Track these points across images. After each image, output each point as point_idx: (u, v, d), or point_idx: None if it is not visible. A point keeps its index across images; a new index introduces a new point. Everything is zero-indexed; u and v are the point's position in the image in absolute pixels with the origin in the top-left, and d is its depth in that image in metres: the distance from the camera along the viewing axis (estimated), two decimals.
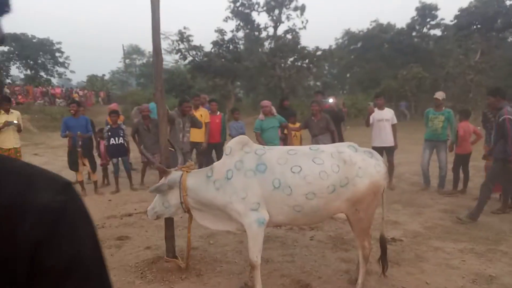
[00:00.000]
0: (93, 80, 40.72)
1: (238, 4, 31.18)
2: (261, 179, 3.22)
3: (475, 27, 29.91)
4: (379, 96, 8.10)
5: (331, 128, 7.05)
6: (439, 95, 7.37)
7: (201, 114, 8.14)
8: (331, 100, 7.71)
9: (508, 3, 29.30)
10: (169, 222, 4.15)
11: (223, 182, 3.30)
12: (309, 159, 3.27)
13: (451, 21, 33.29)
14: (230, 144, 3.48)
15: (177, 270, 3.93)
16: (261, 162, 3.27)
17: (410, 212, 6.04)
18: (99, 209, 6.39)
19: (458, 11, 30.82)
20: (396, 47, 37.94)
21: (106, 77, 44.98)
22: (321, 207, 3.25)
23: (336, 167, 3.22)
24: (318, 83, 42.72)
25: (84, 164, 7.45)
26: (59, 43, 42.38)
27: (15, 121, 6.99)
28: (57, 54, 42.59)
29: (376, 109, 7.57)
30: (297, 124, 8.00)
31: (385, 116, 7.52)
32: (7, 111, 7.03)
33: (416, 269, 3.98)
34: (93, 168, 7.54)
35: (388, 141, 7.45)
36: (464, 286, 3.62)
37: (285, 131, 7.96)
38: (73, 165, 7.37)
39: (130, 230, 5.32)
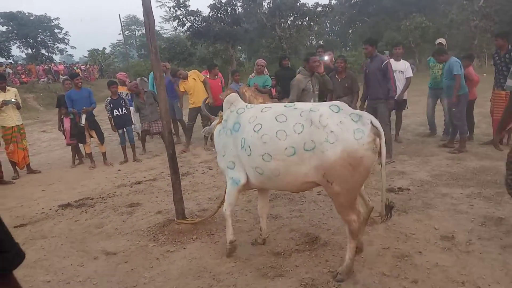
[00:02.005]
0: (94, 54, 40.29)
1: None
2: (235, 138, 3.20)
3: None
4: (397, 45, 7.70)
5: (355, 88, 6.45)
6: (442, 41, 7.20)
7: (194, 78, 8.15)
8: (326, 58, 7.21)
9: None
10: (176, 186, 4.19)
11: (215, 139, 3.51)
12: (273, 117, 2.97)
13: None
14: (223, 103, 3.54)
15: (189, 231, 4.00)
16: (237, 121, 3.24)
17: (416, 161, 6.03)
18: (110, 179, 6.49)
19: None
20: None
21: (107, 51, 44.45)
22: (282, 171, 2.90)
23: (299, 127, 2.79)
24: (321, 42, 41.82)
25: (91, 136, 7.49)
26: (57, 19, 41.81)
27: (13, 99, 6.98)
28: (56, 31, 42.10)
29: (392, 60, 7.04)
30: None
31: (399, 67, 7.11)
32: (3, 89, 7.01)
33: (424, 216, 4.01)
34: (101, 139, 7.58)
35: (400, 94, 7.02)
36: (473, 229, 3.64)
37: None
38: (80, 137, 7.40)
39: (140, 197, 5.41)
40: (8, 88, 7.18)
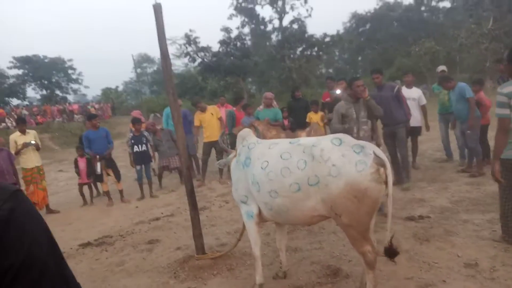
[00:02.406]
0: (107, 92, 41.42)
1: (240, 0, 31.19)
2: (246, 173, 3.26)
3: None
4: (407, 73, 7.70)
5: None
6: (444, 68, 7.30)
7: (212, 112, 8.31)
8: (338, 91, 7.07)
9: None
10: (195, 221, 4.22)
11: (231, 172, 3.58)
12: (278, 154, 3.03)
13: None
14: (237, 138, 3.63)
15: (209, 267, 4.00)
16: (248, 156, 3.30)
17: (435, 188, 5.97)
18: (127, 217, 6.55)
19: None
20: (405, 24, 37.36)
21: (120, 88, 45.71)
22: (289, 206, 2.94)
23: (302, 164, 2.84)
24: (330, 70, 42.39)
25: (108, 174, 7.63)
26: (70, 60, 43.44)
27: (33, 141, 7.22)
28: (70, 71, 43.60)
29: (404, 88, 7.11)
30: (320, 114, 7.93)
31: (412, 95, 7.13)
32: (23, 132, 7.27)
33: (446, 243, 3.95)
34: (118, 177, 7.71)
35: (414, 120, 6.94)
36: (496, 255, 3.57)
37: (307, 119, 8.06)
38: (98, 176, 7.56)
39: (159, 233, 5.44)
40: (27, 130, 7.44)
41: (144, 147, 7.83)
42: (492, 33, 26.96)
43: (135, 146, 7.76)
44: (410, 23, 37.24)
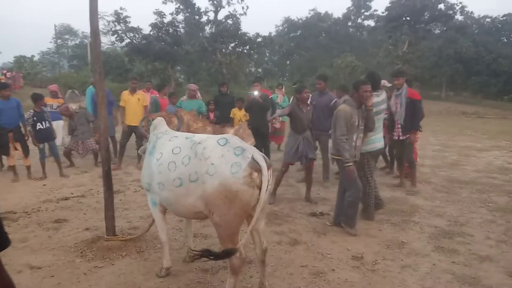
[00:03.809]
0: (20, 61, 37.72)
1: None
2: (150, 162, 3.34)
3: (404, 19, 31.88)
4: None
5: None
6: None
7: (139, 98, 8.20)
8: (256, 93, 7.33)
9: None
10: (109, 202, 4.23)
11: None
12: (171, 148, 3.12)
13: (383, 12, 35.17)
14: (151, 126, 3.73)
15: (118, 248, 4.04)
16: (154, 145, 3.39)
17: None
18: (34, 194, 6.23)
19: (389, 3, 32.62)
20: (333, 36, 39.47)
21: (35, 58, 41.92)
22: (173, 200, 3.07)
23: (187, 159, 2.93)
24: (260, 70, 43.27)
25: (15, 149, 7.15)
26: None
27: None
28: None
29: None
30: (243, 110, 8.18)
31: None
32: None
33: (339, 238, 4.46)
34: (26, 152, 7.25)
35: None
36: (379, 251, 4.14)
37: (231, 115, 8.29)
38: (4, 149, 7.05)
39: (67, 213, 5.30)
40: None
41: (47, 124, 7.45)
42: (406, 56, 29.74)
43: (38, 124, 7.31)
44: (337, 36, 39.52)
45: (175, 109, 7.20)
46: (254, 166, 2.72)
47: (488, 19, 39.35)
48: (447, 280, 3.50)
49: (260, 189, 2.75)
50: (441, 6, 32.30)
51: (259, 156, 2.79)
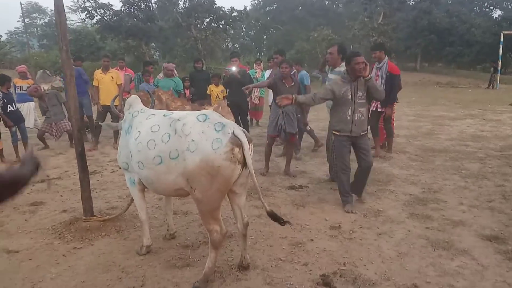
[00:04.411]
0: None
1: None
2: (127, 140, 3.29)
3: None
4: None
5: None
6: None
7: (112, 76, 7.99)
8: (234, 68, 7.37)
9: None
10: (84, 183, 4.17)
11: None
12: (149, 126, 3.07)
13: None
14: (125, 104, 3.66)
15: (96, 229, 4.01)
16: (130, 124, 3.34)
17: (316, 162, 6.70)
18: None
19: None
20: (309, 9, 39.08)
21: (3, 38, 40.15)
22: (153, 179, 3.03)
23: (166, 137, 2.88)
24: (236, 45, 42.70)
25: None
26: None
27: None
28: None
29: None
30: (221, 87, 8.03)
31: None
32: None
33: (317, 209, 4.55)
34: None
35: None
36: (356, 220, 4.25)
37: (208, 91, 8.19)
38: None
39: (44, 195, 5.19)
40: None
41: (17, 106, 7.29)
42: (381, 28, 29.81)
43: (9, 106, 7.09)
44: (313, 8, 39.18)
45: (154, 89, 7.08)
46: (235, 142, 2.72)
47: None
48: (421, 245, 3.63)
49: (242, 164, 2.78)
50: None
51: (239, 132, 2.79)
